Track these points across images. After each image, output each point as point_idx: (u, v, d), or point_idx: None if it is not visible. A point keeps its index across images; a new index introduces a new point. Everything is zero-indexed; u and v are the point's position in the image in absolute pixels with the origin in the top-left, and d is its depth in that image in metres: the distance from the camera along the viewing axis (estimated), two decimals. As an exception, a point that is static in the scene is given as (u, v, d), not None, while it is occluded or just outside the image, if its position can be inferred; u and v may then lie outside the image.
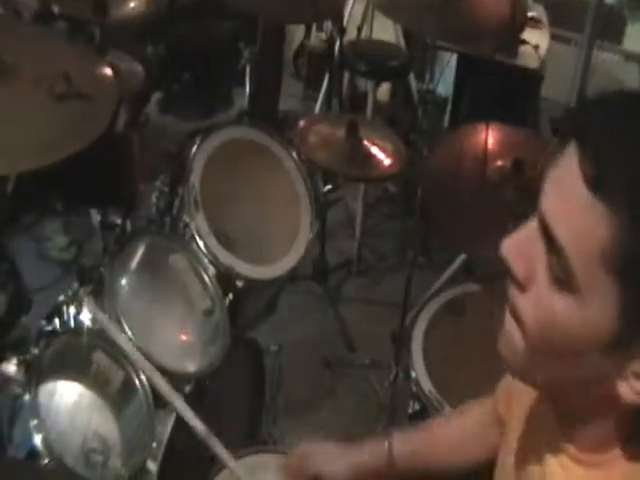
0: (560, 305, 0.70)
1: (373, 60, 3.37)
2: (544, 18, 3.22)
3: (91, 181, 2.14)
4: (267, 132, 2.43)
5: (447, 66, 3.64)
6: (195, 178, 2.26)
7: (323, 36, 4.40)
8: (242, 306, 2.25)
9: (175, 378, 1.90)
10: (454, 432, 1.31)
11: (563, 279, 0.69)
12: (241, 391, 2.40)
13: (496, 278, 0.92)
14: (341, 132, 2.54)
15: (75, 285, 2.01)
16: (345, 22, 3.56)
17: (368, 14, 3.76)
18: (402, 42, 3.72)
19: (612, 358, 0.70)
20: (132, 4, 2.57)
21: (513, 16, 2.31)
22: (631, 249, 0.64)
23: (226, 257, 2.20)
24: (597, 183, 0.65)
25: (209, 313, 2.12)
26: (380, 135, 2.59)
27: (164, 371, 1.85)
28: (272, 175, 2.41)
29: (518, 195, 2.06)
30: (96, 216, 2.39)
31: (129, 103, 2.60)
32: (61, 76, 1.79)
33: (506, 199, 2.09)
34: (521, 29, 2.53)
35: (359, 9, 3.80)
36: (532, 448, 0.91)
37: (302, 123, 2.60)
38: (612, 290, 0.66)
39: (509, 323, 0.77)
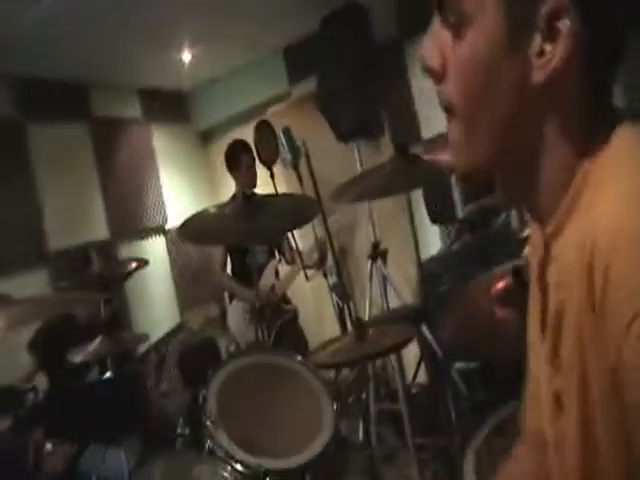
0: (466, 48, 0.79)
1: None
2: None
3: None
4: (273, 352, 2.51)
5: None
6: (212, 404, 2.29)
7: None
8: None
9: None
10: None
11: (459, 25, 0.79)
12: None
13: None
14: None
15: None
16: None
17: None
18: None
19: (518, 59, 0.77)
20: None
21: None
22: None
23: (251, 459, 2.12)
24: None
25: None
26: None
27: None
28: (288, 382, 2.42)
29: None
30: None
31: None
32: None
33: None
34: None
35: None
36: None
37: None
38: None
39: (448, 131, 0.85)
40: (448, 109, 0.84)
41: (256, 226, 2.63)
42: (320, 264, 4.08)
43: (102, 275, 2.72)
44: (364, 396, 3.20)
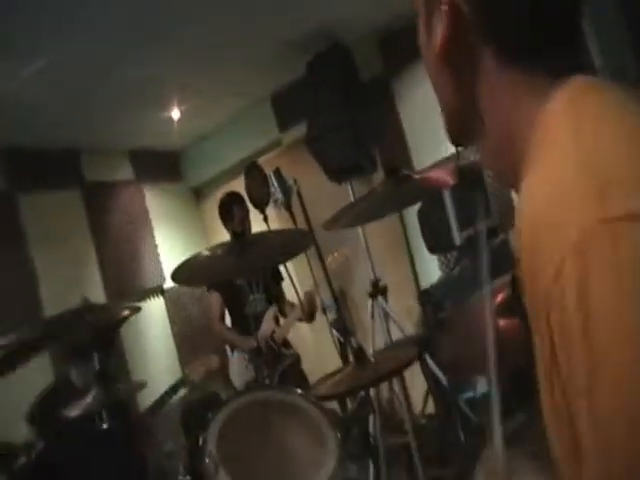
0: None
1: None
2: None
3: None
4: (276, 389, 2.43)
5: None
6: (212, 445, 2.21)
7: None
8: None
9: None
10: None
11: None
12: None
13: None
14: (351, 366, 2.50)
15: None
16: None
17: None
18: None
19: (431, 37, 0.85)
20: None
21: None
22: None
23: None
24: None
25: None
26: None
27: None
28: (288, 416, 2.34)
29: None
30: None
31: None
32: None
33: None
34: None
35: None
36: None
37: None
38: None
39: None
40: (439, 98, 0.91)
41: (247, 259, 2.58)
42: (309, 318, 4.04)
43: (95, 324, 2.65)
44: (371, 431, 3.10)
